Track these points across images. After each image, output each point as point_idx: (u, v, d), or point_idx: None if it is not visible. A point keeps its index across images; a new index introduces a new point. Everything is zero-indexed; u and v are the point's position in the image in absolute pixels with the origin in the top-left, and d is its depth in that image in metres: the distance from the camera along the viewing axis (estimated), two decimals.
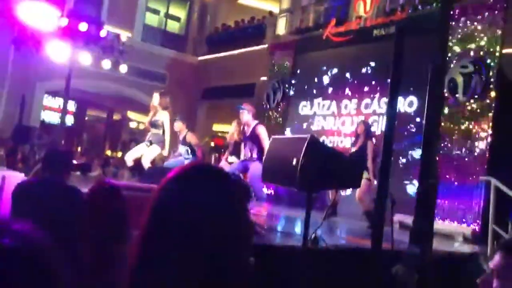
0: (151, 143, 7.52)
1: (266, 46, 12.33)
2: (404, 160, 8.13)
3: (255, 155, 6.43)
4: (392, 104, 4.17)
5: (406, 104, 8.48)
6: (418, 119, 8.00)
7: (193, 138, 7.57)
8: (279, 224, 6.62)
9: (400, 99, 8.16)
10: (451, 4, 5.51)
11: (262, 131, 6.46)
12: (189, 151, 7.23)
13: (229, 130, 8.08)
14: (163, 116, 7.55)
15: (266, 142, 6.31)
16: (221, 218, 0.89)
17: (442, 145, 7.43)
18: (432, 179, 5.06)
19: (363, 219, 6.77)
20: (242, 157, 6.83)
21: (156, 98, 7.66)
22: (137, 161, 7.63)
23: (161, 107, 7.58)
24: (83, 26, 11.64)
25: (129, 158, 7.67)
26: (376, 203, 4.14)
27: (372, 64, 9.24)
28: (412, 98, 8.38)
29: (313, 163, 3.53)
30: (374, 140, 7.00)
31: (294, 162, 3.57)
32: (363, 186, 6.11)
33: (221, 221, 0.89)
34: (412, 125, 8.28)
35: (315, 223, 4.15)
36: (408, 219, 5.88)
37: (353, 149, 7.07)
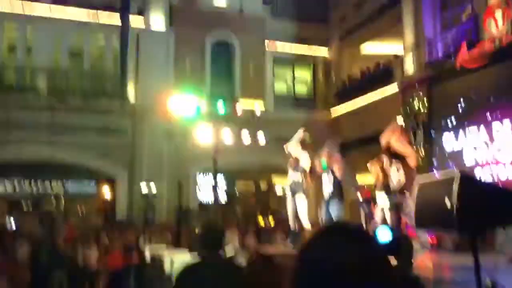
0: (294, 193, 7.14)
1: (396, 88, 12.00)
2: None
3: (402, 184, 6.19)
4: None
5: None
6: None
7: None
8: (447, 275, 6.03)
9: None
10: None
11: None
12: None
13: (371, 173, 7.67)
14: (302, 157, 7.14)
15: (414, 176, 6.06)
16: (364, 279, 0.89)
17: None
18: None
19: None
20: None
21: (299, 135, 7.46)
22: (297, 220, 7.18)
23: (302, 146, 7.24)
24: (221, 106, 12.73)
25: (290, 221, 7.26)
26: None
27: None
28: None
29: (470, 202, 3.21)
30: None
31: (449, 204, 3.29)
32: None
33: (364, 282, 0.89)
34: None
35: (488, 269, 3.69)
36: None
37: None
